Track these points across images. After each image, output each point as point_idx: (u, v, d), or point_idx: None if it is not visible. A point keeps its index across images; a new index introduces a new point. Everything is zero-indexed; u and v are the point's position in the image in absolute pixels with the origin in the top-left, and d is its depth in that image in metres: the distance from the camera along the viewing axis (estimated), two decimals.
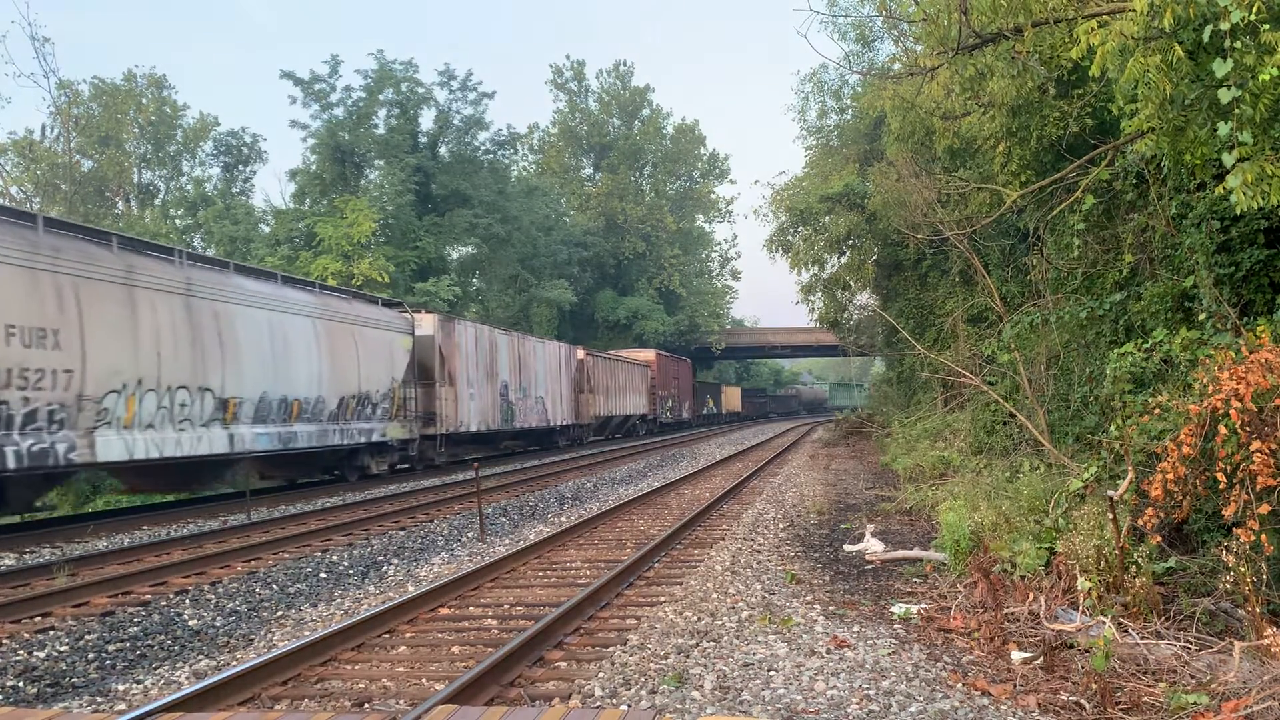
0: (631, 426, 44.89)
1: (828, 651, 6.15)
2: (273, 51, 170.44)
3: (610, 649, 6.54)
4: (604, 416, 39.29)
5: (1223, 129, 5.70)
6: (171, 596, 8.73)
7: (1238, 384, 5.93)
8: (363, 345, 19.79)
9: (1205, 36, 5.70)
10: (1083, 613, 6.36)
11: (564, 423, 34.28)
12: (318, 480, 20.47)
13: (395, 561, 10.85)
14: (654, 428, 48.42)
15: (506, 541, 12.21)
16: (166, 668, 6.70)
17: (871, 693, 5.29)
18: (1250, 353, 6.28)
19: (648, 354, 49.06)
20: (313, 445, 17.99)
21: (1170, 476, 6.16)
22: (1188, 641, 5.71)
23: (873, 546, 10.08)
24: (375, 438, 20.35)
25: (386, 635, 7.22)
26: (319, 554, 10.97)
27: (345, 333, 19.28)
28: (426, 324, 23.33)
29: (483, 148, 49.27)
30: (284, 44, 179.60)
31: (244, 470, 16.77)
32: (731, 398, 74.76)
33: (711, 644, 6.45)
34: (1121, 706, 4.94)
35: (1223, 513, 6.07)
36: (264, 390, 16.44)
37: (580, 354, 37.00)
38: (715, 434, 47.11)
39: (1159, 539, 7.05)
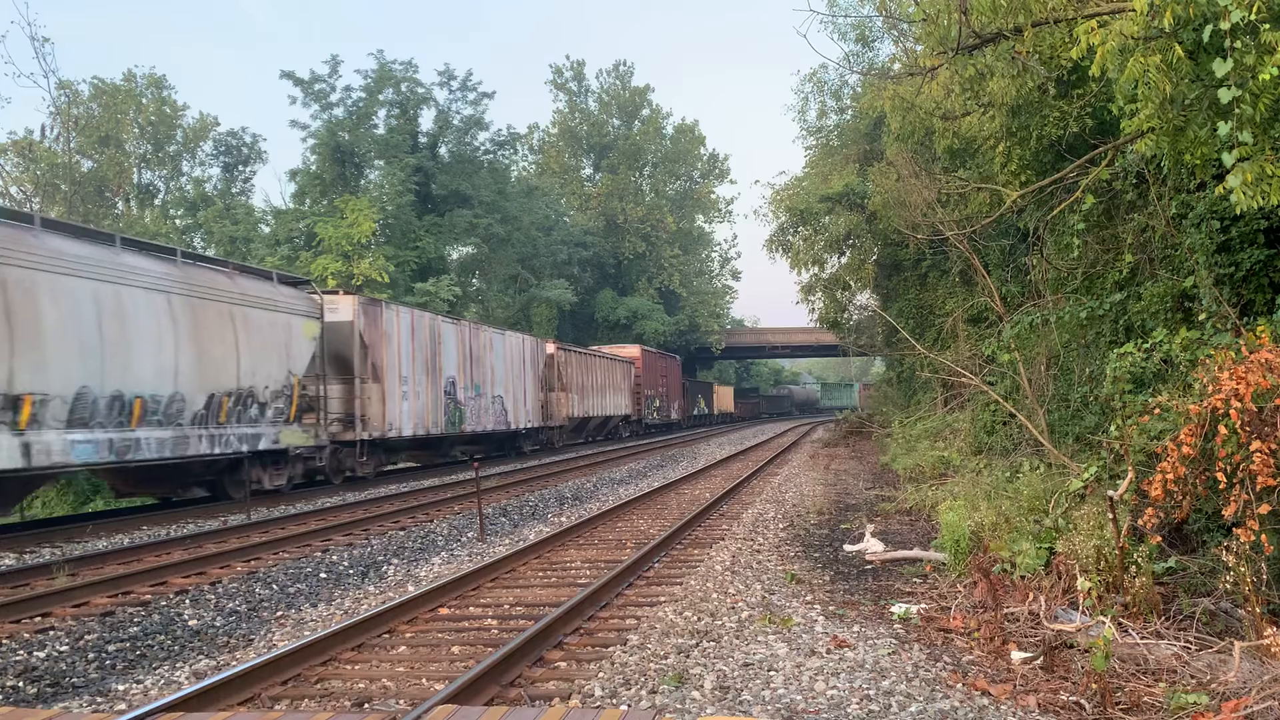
0: (613, 429, 41.73)
1: (828, 651, 6.15)
2: (273, 51, 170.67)
3: (610, 649, 6.54)
4: (580, 417, 35.99)
5: (1223, 129, 5.70)
6: (171, 596, 8.74)
7: (1238, 384, 5.93)
8: (245, 330, 16.05)
9: (1205, 36, 5.70)
10: (1083, 613, 6.36)
11: (529, 425, 30.43)
12: (200, 499, 16.69)
13: (395, 561, 10.85)
14: (639, 430, 45.07)
15: (506, 541, 12.21)
16: (166, 668, 6.70)
17: (871, 693, 5.30)
18: (1250, 353, 6.28)
19: (632, 350, 45.45)
20: (166, 456, 14.07)
21: (1170, 476, 6.16)
22: (1188, 641, 5.71)
23: (873, 546, 10.08)
24: (264, 445, 16.55)
25: (386, 635, 7.23)
26: (319, 554, 10.97)
27: (219, 313, 15.48)
28: (343, 307, 19.63)
29: (482, 148, 49.30)
30: (284, 44, 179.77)
31: (61, 487, 13.44)
32: (724, 398, 73.12)
33: (711, 644, 6.45)
34: (1121, 706, 4.95)
35: (1223, 513, 6.07)
36: (85, 384, 12.66)
37: (550, 348, 33.36)
38: (714, 434, 47.09)
39: (1159, 539, 7.05)
